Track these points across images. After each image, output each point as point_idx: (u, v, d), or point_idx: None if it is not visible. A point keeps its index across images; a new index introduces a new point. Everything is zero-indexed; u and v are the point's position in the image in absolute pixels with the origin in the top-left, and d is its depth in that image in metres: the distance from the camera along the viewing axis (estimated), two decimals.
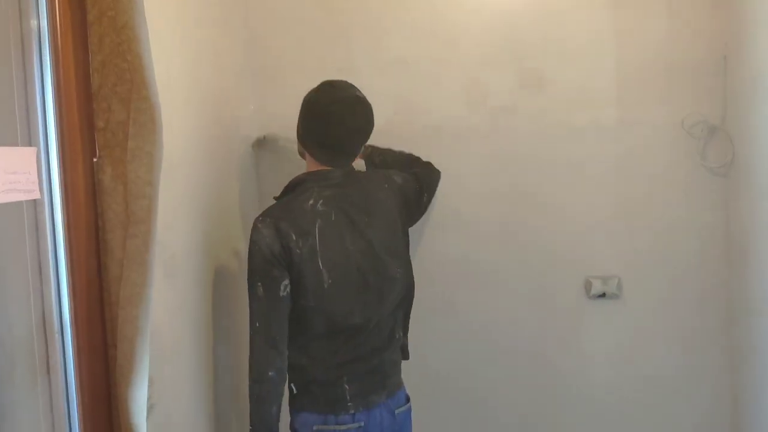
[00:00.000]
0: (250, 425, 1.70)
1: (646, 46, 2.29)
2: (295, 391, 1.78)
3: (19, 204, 1.12)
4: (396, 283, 1.84)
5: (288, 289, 1.69)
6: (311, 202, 1.73)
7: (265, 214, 1.72)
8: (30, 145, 1.14)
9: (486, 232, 2.38)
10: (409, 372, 2.01)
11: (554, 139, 2.34)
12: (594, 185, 2.35)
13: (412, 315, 2.02)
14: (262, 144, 2.37)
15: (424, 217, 2.27)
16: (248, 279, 1.70)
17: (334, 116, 1.74)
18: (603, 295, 2.35)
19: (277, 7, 2.40)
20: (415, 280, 1.99)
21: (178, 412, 1.60)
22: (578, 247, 2.37)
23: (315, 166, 1.82)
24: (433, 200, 2.29)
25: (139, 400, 1.23)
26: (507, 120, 2.35)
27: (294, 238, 1.68)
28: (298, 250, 1.68)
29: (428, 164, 2.19)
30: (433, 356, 2.41)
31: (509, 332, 2.40)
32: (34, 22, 1.15)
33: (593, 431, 2.41)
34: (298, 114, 1.84)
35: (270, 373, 1.67)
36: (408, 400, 1.92)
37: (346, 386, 1.76)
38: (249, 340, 1.69)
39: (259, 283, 1.67)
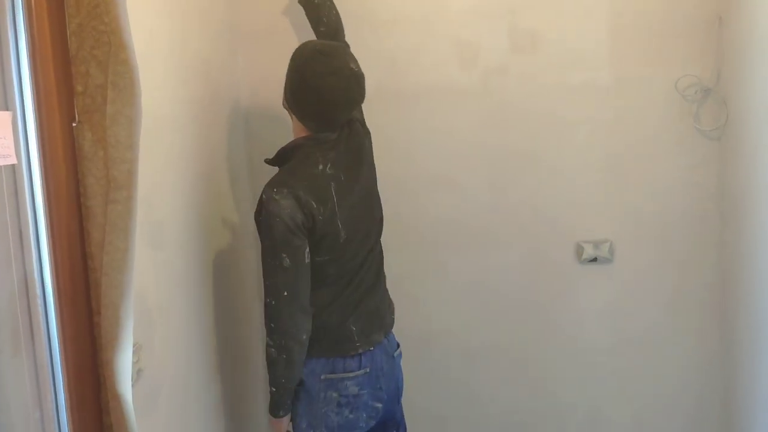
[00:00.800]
0: (274, 386, 1.75)
1: (640, 3, 2.26)
2: None
3: None
4: (379, 222, 1.94)
5: (308, 254, 1.71)
6: (321, 167, 1.74)
7: (279, 184, 1.70)
8: (6, 109, 1.12)
9: (477, 194, 2.38)
10: (404, 330, 2.03)
11: (546, 100, 2.33)
12: (586, 147, 2.34)
13: (404, 276, 2.05)
14: None
15: (413, 178, 2.27)
16: (268, 251, 1.69)
17: (327, 92, 1.72)
18: (594, 260, 2.35)
19: None
20: (406, 240, 2.02)
21: (167, 376, 1.60)
22: (570, 210, 2.37)
23: (305, 131, 1.81)
24: (424, 161, 2.29)
25: (125, 364, 1.23)
26: (498, 80, 2.34)
27: (315, 205, 1.69)
28: (320, 217, 1.70)
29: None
30: (426, 315, 2.44)
31: (500, 293, 2.43)
32: None
33: (586, 390, 2.45)
34: (286, 73, 1.81)
35: (303, 336, 1.72)
36: (399, 345, 1.99)
37: (353, 327, 1.82)
38: (272, 307, 1.70)
39: (284, 254, 1.67)
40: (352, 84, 1.74)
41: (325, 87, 1.72)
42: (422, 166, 2.37)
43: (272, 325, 1.71)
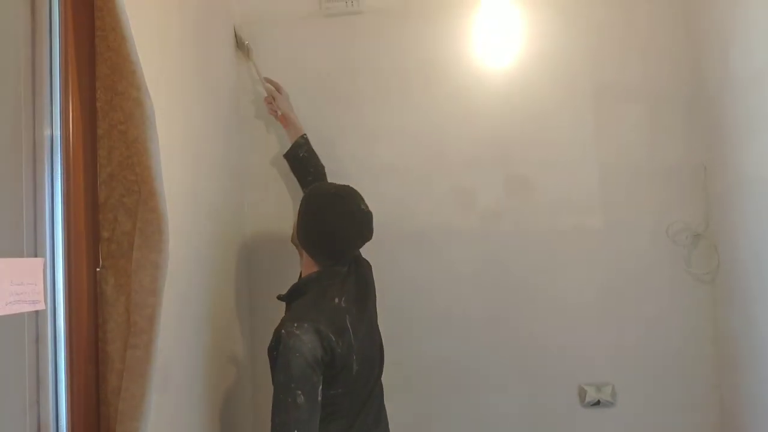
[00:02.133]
0: None
1: (628, 152, 2.39)
2: None
3: (20, 315, 1.11)
4: (380, 350, 1.94)
5: (321, 392, 1.67)
6: (337, 300, 1.76)
7: (299, 319, 1.68)
8: (36, 255, 1.14)
9: (477, 336, 2.39)
10: None
11: (541, 242, 2.39)
12: (581, 288, 2.38)
13: (402, 419, 2.07)
14: (243, 48, 2.45)
15: (416, 317, 2.30)
16: (282, 387, 1.62)
17: (340, 235, 1.79)
18: (597, 403, 2.33)
19: (262, 118, 2.48)
20: (406, 384, 2.09)
21: None
22: (569, 351, 2.37)
23: (316, 266, 1.84)
24: (423, 299, 2.34)
25: None
26: (495, 224, 2.41)
27: (334, 339, 1.68)
28: (339, 350, 1.68)
29: None
30: None
31: None
32: (47, 132, 1.18)
33: None
34: (290, 219, 1.87)
35: None
36: None
37: None
38: None
39: (299, 391, 1.61)
40: (365, 224, 1.82)
41: (342, 228, 1.79)
42: (424, 303, 2.38)
43: None
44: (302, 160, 2.26)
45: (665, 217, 2.37)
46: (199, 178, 1.93)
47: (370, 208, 1.93)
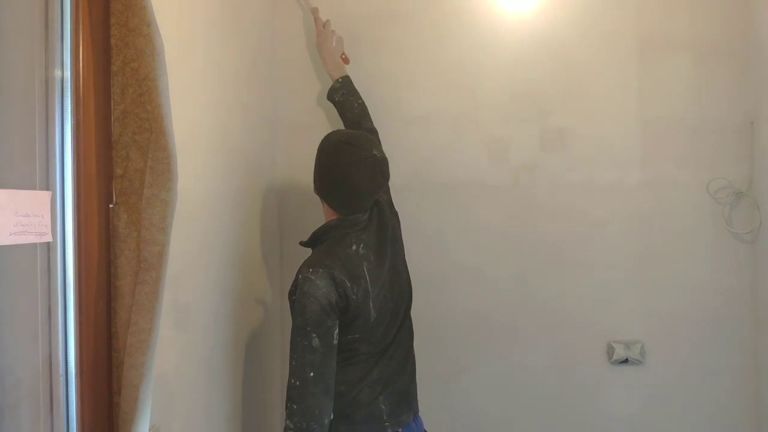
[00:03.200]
0: None
1: (671, 105, 2.30)
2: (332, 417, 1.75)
3: (32, 246, 1.14)
4: (407, 298, 1.95)
5: (337, 336, 1.71)
6: (354, 247, 1.79)
7: (315, 264, 1.72)
8: (47, 189, 1.16)
9: (506, 290, 2.36)
10: (429, 428, 1.98)
11: (576, 198, 2.34)
12: (616, 245, 2.32)
13: (429, 368, 2.05)
14: None
15: (445, 269, 2.29)
16: (299, 330, 1.67)
17: (353, 182, 1.78)
18: (626, 361, 2.29)
19: (301, 63, 2.46)
20: (432, 333, 2.05)
21: None
22: (600, 309, 2.33)
23: (335, 215, 1.86)
24: (453, 252, 2.32)
25: None
26: (528, 178, 2.36)
27: (349, 284, 1.71)
28: (354, 296, 1.71)
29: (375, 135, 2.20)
30: (450, 414, 2.36)
31: (527, 394, 2.36)
32: (58, 72, 1.19)
33: None
34: (314, 162, 1.86)
35: (326, 420, 1.67)
36: None
37: (382, 406, 1.80)
38: (296, 388, 1.65)
39: (314, 334, 1.65)
40: (377, 171, 1.80)
41: (352, 176, 1.77)
42: (451, 258, 2.37)
43: (294, 407, 1.65)
44: (339, 105, 2.24)
45: (707, 174, 2.28)
46: (226, 120, 1.93)
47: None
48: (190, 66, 1.66)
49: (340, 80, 2.26)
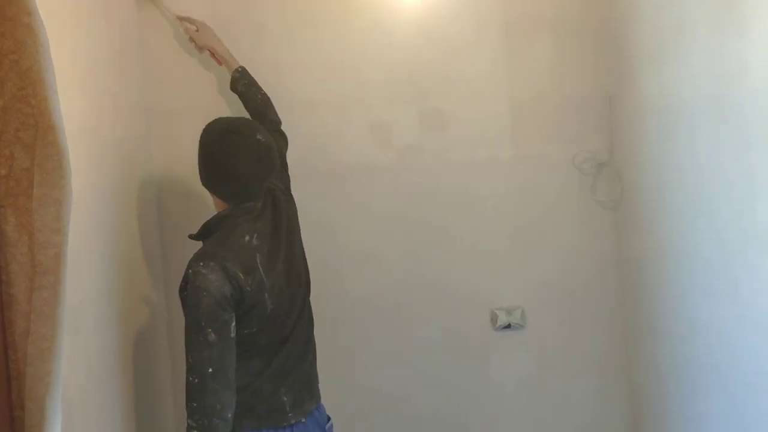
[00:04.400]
0: None
1: (537, 84, 2.45)
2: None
3: None
4: (305, 287, 1.93)
5: (234, 329, 1.66)
6: (247, 238, 1.72)
7: (205, 257, 1.65)
8: None
9: (396, 268, 2.43)
10: (329, 405, 2.00)
11: (456, 175, 2.44)
12: (494, 219, 2.45)
13: (328, 352, 2.06)
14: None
15: (336, 255, 2.30)
16: (193, 327, 1.61)
17: (237, 170, 1.72)
18: (508, 326, 2.43)
19: (173, 47, 2.38)
20: (326, 316, 2.07)
21: None
22: (483, 280, 2.45)
23: (226, 205, 1.80)
24: (341, 235, 2.34)
25: None
26: (412, 158, 2.43)
27: (243, 276, 1.65)
28: (248, 288, 1.66)
29: (278, 126, 2.20)
30: (349, 393, 2.41)
31: (421, 366, 2.45)
32: None
33: None
34: (198, 153, 1.81)
35: (229, 415, 1.63)
36: (330, 418, 1.96)
37: (284, 398, 1.78)
38: (195, 386, 1.60)
39: (209, 329, 1.60)
40: (263, 156, 1.75)
41: (236, 164, 1.72)
42: (342, 242, 2.40)
43: (194, 405, 1.60)
44: (242, 95, 2.18)
45: (572, 147, 2.45)
46: (97, 110, 1.84)
47: (290, 142, 1.89)
48: (59, 56, 1.55)
49: (240, 70, 2.21)
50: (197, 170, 1.81)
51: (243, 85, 2.19)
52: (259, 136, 1.76)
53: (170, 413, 2.28)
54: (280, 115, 2.20)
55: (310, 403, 1.86)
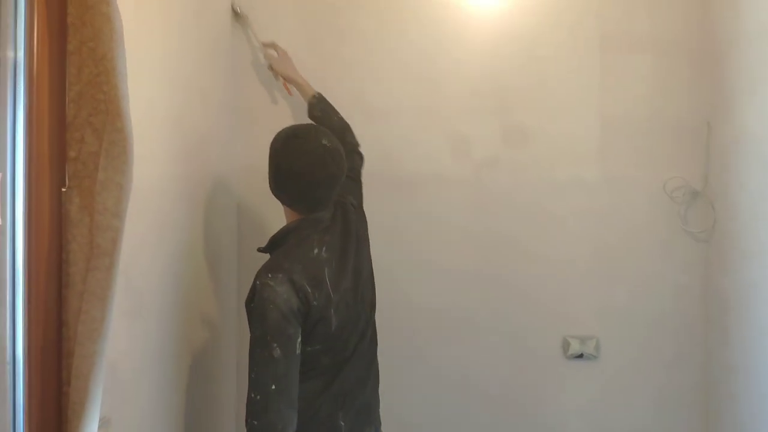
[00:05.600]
0: None
1: (631, 104, 2.34)
2: None
3: None
4: (370, 307, 1.86)
5: (300, 345, 1.62)
6: (316, 250, 1.69)
7: (274, 269, 1.62)
8: None
9: (464, 283, 2.37)
10: (385, 422, 1.97)
11: (536, 193, 2.36)
12: (574, 241, 2.35)
13: (388, 365, 1.99)
14: (238, 17, 2.40)
15: (404, 265, 2.27)
16: (258, 341, 1.58)
17: (304, 175, 1.69)
18: (581, 356, 2.32)
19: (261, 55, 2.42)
20: (389, 328, 2.02)
21: None
22: (557, 304, 2.36)
23: (296, 215, 1.77)
24: (412, 247, 2.30)
25: None
26: (490, 172, 2.37)
27: (309, 290, 1.62)
28: (315, 302, 1.62)
29: (355, 147, 2.15)
30: (407, 408, 2.38)
31: (484, 387, 2.38)
32: (10, 54, 1.14)
33: None
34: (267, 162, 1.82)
35: None
36: None
37: (342, 422, 1.72)
38: (257, 403, 1.55)
39: (275, 344, 1.56)
40: (327, 160, 1.71)
41: (302, 168, 1.69)
42: (412, 253, 2.37)
43: (255, 423, 1.55)
44: (318, 120, 2.16)
45: (664, 173, 2.32)
46: (183, 103, 1.89)
47: (363, 150, 1.88)
48: (148, 46, 1.61)
49: (316, 96, 2.21)
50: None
51: (320, 110, 2.18)
52: (324, 141, 1.73)
53: (230, 405, 2.30)
54: (358, 123, 2.18)
55: (368, 429, 1.80)
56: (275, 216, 1.95)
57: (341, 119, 2.19)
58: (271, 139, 1.93)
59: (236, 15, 2.38)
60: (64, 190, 1.24)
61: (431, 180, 2.37)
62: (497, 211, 2.37)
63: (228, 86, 2.34)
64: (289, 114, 2.37)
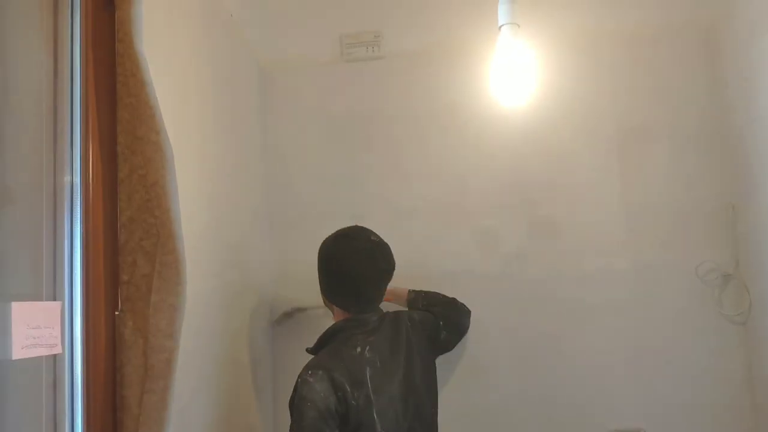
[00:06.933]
0: None
1: (653, 192, 2.36)
2: None
3: (38, 359, 1.11)
4: (431, 426, 1.82)
5: None
6: (358, 349, 1.68)
7: (315, 366, 1.62)
8: (54, 299, 1.14)
9: (502, 383, 2.34)
10: None
11: (567, 286, 2.35)
12: (609, 331, 2.33)
13: None
14: (286, 318, 2.37)
15: (439, 364, 2.24)
16: None
17: (355, 271, 1.73)
18: None
19: (292, 154, 2.51)
20: None
21: None
22: (599, 398, 2.31)
23: (346, 314, 1.79)
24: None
25: None
26: (518, 267, 2.38)
27: (349, 389, 1.59)
28: (354, 402, 1.58)
29: (459, 307, 2.18)
30: None
31: None
32: (68, 178, 1.19)
33: None
34: (316, 259, 1.86)
35: None
36: None
37: None
38: None
39: None
40: (377, 255, 1.76)
41: (352, 265, 1.74)
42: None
43: None
44: (426, 307, 2.15)
45: (694, 258, 2.32)
46: (219, 216, 1.93)
47: (393, 249, 1.91)
48: (187, 164, 1.67)
49: (412, 293, 2.20)
50: (310, 277, 1.85)
51: (422, 299, 2.16)
52: (372, 237, 1.80)
53: None
54: (385, 224, 2.20)
55: None
56: (307, 323, 1.96)
57: (444, 296, 2.20)
58: (301, 246, 1.98)
59: (285, 315, 2.40)
60: (117, 313, 1.26)
61: (461, 275, 2.37)
62: (529, 304, 2.36)
63: (259, 193, 2.41)
64: (320, 221, 2.40)
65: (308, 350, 1.79)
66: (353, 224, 1.89)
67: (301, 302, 2.34)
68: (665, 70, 2.40)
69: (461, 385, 2.34)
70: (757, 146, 2.13)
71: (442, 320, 2.03)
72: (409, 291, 2.19)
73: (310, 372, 1.61)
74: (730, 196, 2.31)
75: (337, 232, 1.85)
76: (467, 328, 2.19)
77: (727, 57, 2.29)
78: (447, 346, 2.06)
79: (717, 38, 2.35)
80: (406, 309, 2.16)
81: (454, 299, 2.21)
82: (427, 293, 2.20)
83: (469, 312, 2.21)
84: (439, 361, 2.29)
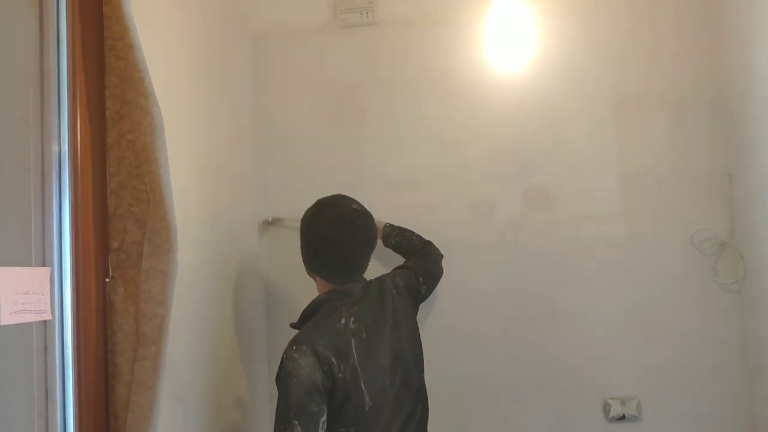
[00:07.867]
0: None
1: (650, 160, 2.34)
2: None
3: (28, 325, 1.10)
4: (416, 392, 1.78)
5: (324, 425, 1.54)
6: (343, 321, 1.64)
7: (299, 341, 1.58)
8: (44, 265, 1.13)
9: (498, 351, 2.34)
10: None
11: (563, 254, 2.34)
12: (605, 300, 2.32)
13: None
14: (267, 226, 2.42)
15: (434, 333, 2.24)
16: (280, 417, 1.51)
17: (336, 239, 1.70)
18: (623, 418, 2.27)
19: (285, 122, 2.49)
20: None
21: None
22: (594, 365, 2.31)
23: (329, 285, 1.76)
24: (443, 315, 2.29)
25: None
26: (515, 236, 2.37)
27: (335, 361, 1.56)
28: (340, 375, 1.55)
29: (432, 254, 2.18)
30: None
31: None
32: (55, 147, 1.17)
33: None
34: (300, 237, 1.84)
35: None
36: None
37: None
38: None
39: (296, 421, 1.48)
40: (359, 223, 1.72)
41: (335, 234, 1.70)
42: (441, 320, 2.35)
43: None
44: (397, 246, 2.18)
45: (690, 226, 2.31)
46: (213, 187, 1.92)
47: (386, 219, 1.89)
48: (177, 131, 1.64)
49: (387, 225, 2.23)
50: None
51: (396, 236, 2.19)
52: (354, 206, 1.76)
53: None
54: (381, 195, 2.20)
55: None
56: (304, 294, 1.95)
57: (419, 237, 2.21)
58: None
59: (266, 224, 2.44)
60: (108, 280, 1.25)
61: (458, 245, 2.36)
62: (525, 273, 2.35)
63: (252, 160, 2.39)
64: (313, 190, 2.38)
65: (292, 325, 1.76)
66: (344, 193, 1.86)
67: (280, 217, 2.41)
68: (663, 35, 2.37)
69: (456, 352, 2.35)
70: (755, 114, 2.11)
71: (421, 275, 2.00)
72: (386, 225, 2.21)
73: (294, 347, 1.57)
74: (728, 164, 2.29)
75: (318, 200, 1.82)
76: (442, 274, 2.17)
77: (727, 22, 2.26)
78: (426, 296, 2.04)
79: (717, 1, 2.32)
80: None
81: (428, 243, 2.20)
82: (402, 231, 2.21)
83: (442, 256, 2.20)
84: (434, 327, 2.31)
